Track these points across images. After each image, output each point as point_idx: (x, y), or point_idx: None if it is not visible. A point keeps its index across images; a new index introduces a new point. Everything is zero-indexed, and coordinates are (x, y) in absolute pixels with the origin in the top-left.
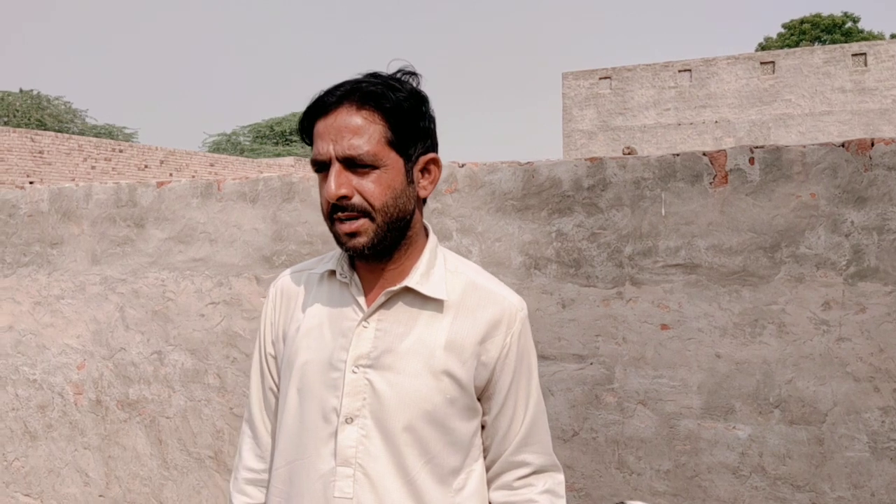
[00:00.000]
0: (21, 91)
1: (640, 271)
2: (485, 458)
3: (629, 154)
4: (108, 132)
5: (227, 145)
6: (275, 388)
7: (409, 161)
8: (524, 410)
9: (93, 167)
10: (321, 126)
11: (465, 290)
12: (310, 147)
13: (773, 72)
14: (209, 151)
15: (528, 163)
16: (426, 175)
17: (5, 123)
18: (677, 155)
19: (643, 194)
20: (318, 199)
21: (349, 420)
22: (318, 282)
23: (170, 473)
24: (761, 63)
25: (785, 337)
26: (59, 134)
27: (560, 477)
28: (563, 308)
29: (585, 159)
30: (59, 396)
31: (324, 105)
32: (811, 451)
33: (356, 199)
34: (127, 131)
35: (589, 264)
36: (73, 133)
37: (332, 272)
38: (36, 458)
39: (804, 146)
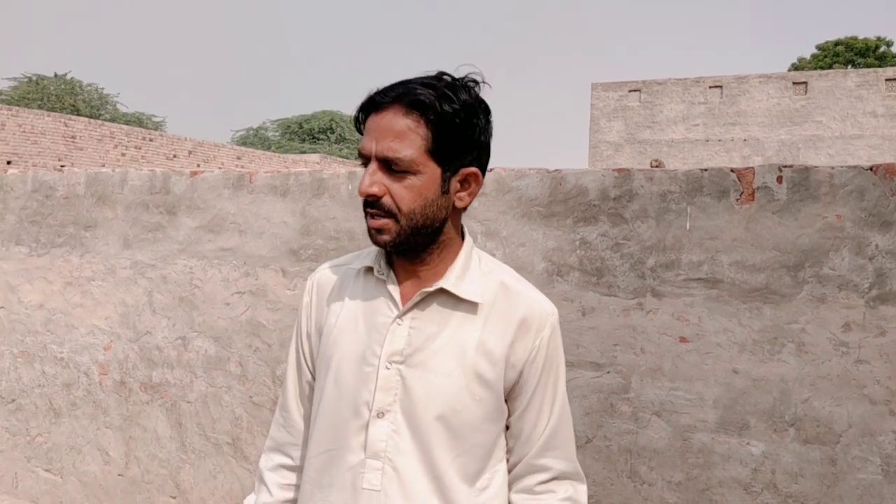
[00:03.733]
0: (56, 76)
1: (662, 283)
2: (507, 459)
3: (657, 167)
4: (137, 120)
5: (254, 139)
6: (311, 379)
7: (447, 171)
8: (549, 414)
9: (123, 154)
10: (371, 122)
11: (498, 293)
12: (359, 137)
13: (805, 92)
14: (236, 145)
15: (556, 170)
16: (465, 186)
17: (39, 107)
18: (705, 170)
19: (669, 207)
20: (346, 195)
21: (380, 414)
22: (355, 277)
23: (188, 457)
24: (794, 83)
25: (804, 356)
26: (91, 120)
27: (583, 487)
28: (583, 316)
29: (613, 170)
30: (84, 376)
31: (375, 102)
32: (824, 470)
33: (385, 199)
34: (155, 119)
35: (611, 274)
36: (105, 119)
37: (370, 268)
38: (59, 434)
39: (832, 167)
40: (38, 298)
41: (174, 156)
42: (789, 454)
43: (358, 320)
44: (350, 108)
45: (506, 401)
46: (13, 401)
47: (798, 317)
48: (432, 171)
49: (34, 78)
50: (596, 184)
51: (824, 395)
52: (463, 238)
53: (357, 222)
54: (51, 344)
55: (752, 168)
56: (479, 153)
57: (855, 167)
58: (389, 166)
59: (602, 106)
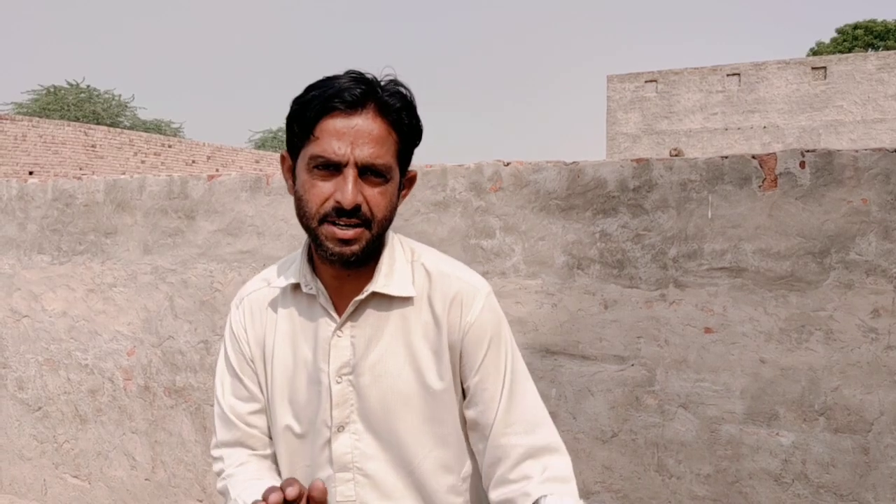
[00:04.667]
0: (69, 84)
1: (685, 274)
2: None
3: (676, 155)
4: (156, 127)
5: (273, 142)
6: (251, 399)
7: (402, 174)
8: (501, 387)
9: (143, 161)
10: (340, 125)
11: (428, 280)
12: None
13: (825, 77)
14: (254, 148)
15: (574, 162)
16: (407, 187)
17: (60, 117)
18: (725, 157)
19: (689, 196)
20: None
21: (341, 429)
22: (283, 296)
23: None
24: (812, 68)
25: (832, 344)
26: (111, 128)
27: (563, 460)
28: (606, 309)
29: (631, 160)
30: (109, 381)
31: (344, 102)
32: (856, 459)
33: (364, 208)
34: (174, 125)
35: (632, 265)
36: (125, 127)
37: (297, 284)
38: (85, 440)
39: (856, 151)
40: (61, 306)
41: (193, 161)
42: (820, 444)
43: (298, 340)
44: None
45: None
46: (40, 408)
47: (825, 304)
48: (396, 175)
49: (52, 89)
50: (614, 175)
51: (854, 382)
52: None
53: None
54: (75, 351)
55: (774, 154)
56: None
57: (880, 149)
58: (366, 173)
59: (618, 98)
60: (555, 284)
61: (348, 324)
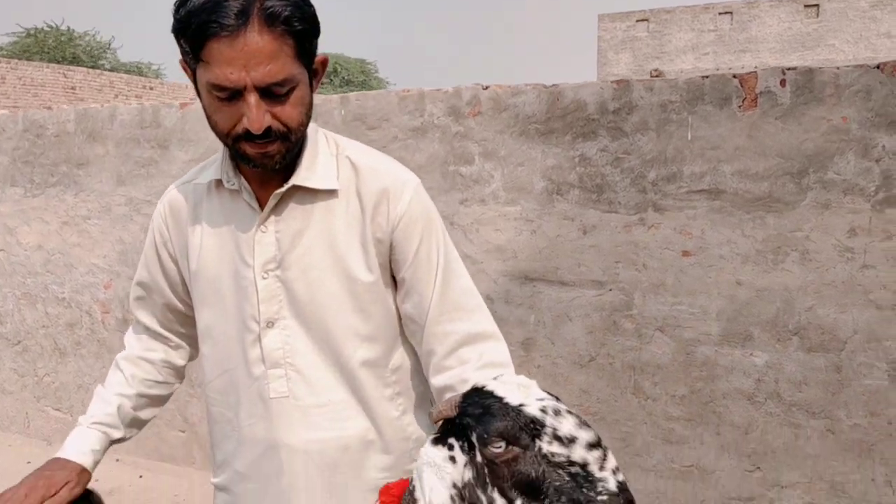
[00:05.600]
0: (48, 27)
1: (664, 197)
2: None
3: (657, 76)
4: (137, 69)
5: None
6: (172, 302)
7: (309, 68)
8: (434, 277)
9: (123, 104)
10: (225, 49)
11: (353, 173)
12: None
13: (818, 15)
14: None
15: (553, 85)
16: (317, 75)
17: (40, 59)
18: (706, 77)
19: (669, 118)
20: (339, 121)
21: (270, 324)
22: (207, 193)
23: (195, 391)
24: (805, 6)
25: (808, 264)
26: (90, 70)
27: (498, 345)
28: (584, 234)
29: (612, 81)
30: (87, 315)
31: (222, 25)
32: (828, 378)
33: (274, 125)
34: (154, 67)
35: (611, 190)
36: (105, 69)
37: (219, 181)
38: (65, 373)
39: (838, 68)
40: (36, 239)
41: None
42: (793, 363)
43: (222, 236)
44: (356, 52)
45: (394, 279)
46: (19, 342)
47: (802, 224)
48: (302, 75)
49: (32, 31)
50: (594, 97)
51: (829, 302)
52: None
53: None
54: (52, 284)
55: (755, 72)
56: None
57: (861, 66)
58: (269, 91)
59: (609, 38)
60: (534, 211)
61: (272, 219)
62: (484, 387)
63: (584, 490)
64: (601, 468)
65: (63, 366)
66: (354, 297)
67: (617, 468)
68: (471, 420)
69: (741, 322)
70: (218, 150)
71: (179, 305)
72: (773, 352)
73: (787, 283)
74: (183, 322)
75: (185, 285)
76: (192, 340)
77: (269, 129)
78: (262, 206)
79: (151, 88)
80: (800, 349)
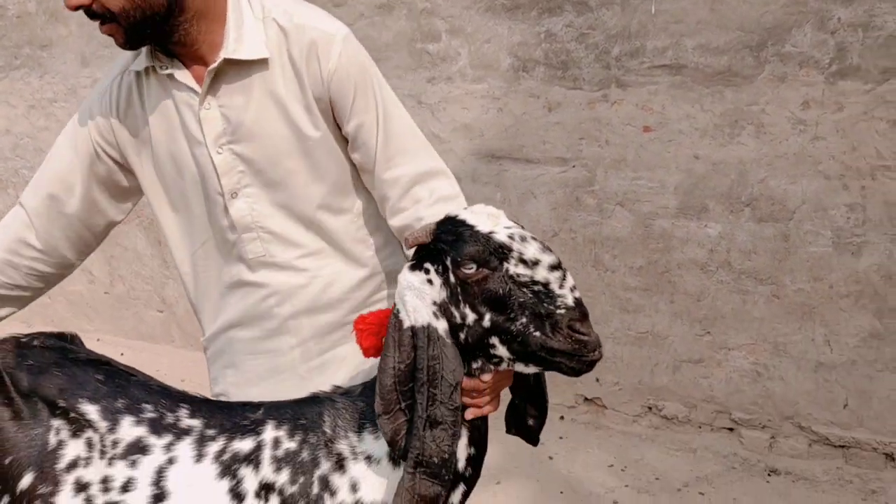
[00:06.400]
0: None
1: (627, 73)
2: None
3: None
4: None
5: None
6: (78, 205)
7: None
8: (374, 126)
9: None
10: None
11: (281, 36)
12: None
13: None
14: None
15: None
16: None
17: None
18: None
19: None
20: None
21: (234, 195)
22: (145, 79)
23: (170, 273)
24: None
25: (762, 137)
26: None
27: (447, 180)
28: (550, 112)
29: None
30: None
31: None
32: (776, 246)
33: (95, 6)
34: None
35: (576, 66)
36: None
37: (152, 66)
38: None
39: None
40: (3, 124)
41: None
42: (744, 233)
43: (169, 121)
44: None
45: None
46: None
47: (758, 98)
48: None
49: None
50: None
51: (780, 173)
52: None
53: None
54: (21, 169)
55: None
56: None
57: None
58: None
59: None
60: (500, 88)
61: (214, 95)
62: (456, 216)
63: (546, 305)
64: (560, 286)
65: None
66: (308, 154)
67: (574, 287)
68: (445, 245)
69: (697, 195)
70: None
71: (82, 207)
72: (725, 223)
73: (742, 156)
74: (78, 227)
75: (114, 180)
76: (73, 245)
77: (94, 11)
78: (199, 84)
79: None
80: (751, 220)
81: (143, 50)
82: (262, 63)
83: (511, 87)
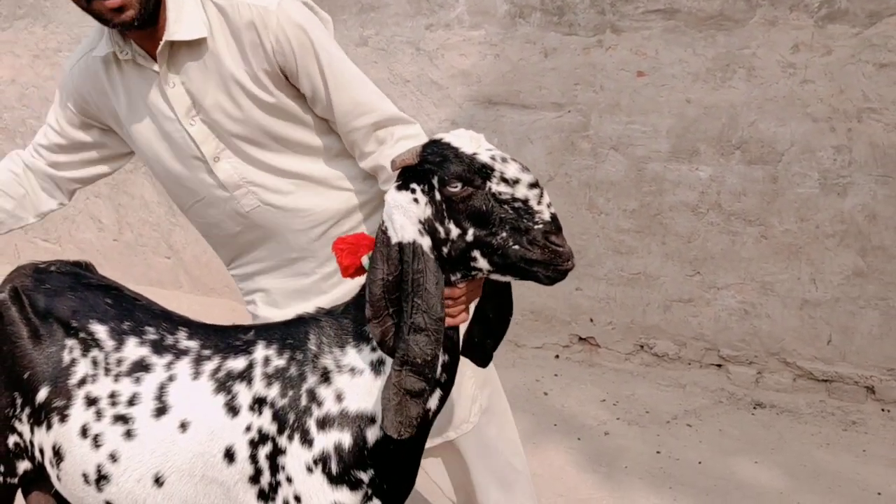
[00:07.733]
0: None
1: (622, 18)
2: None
3: None
4: None
5: None
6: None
7: None
8: (324, 85)
9: None
10: None
11: (219, 16)
12: None
13: None
14: None
15: None
16: None
17: None
18: None
19: None
20: None
21: (216, 160)
22: (107, 65)
23: (177, 220)
24: None
25: (753, 80)
26: None
27: (410, 125)
28: (546, 57)
29: None
30: None
31: None
32: (765, 188)
33: None
34: None
35: (572, 11)
36: None
37: (114, 53)
38: None
39: None
40: (8, 74)
41: None
42: (734, 175)
43: (138, 102)
44: None
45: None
46: None
47: (750, 42)
48: None
49: None
50: None
51: (770, 116)
52: None
53: None
54: (28, 118)
55: None
56: None
57: None
58: None
59: None
60: (497, 35)
61: (173, 75)
62: (441, 139)
63: (525, 220)
64: (538, 203)
65: None
66: (273, 116)
67: (550, 203)
68: (431, 166)
69: (689, 139)
70: None
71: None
72: (716, 165)
73: (733, 99)
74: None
75: (103, 141)
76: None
77: None
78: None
79: None
80: (741, 162)
81: (105, 34)
82: (205, 42)
83: (508, 34)
